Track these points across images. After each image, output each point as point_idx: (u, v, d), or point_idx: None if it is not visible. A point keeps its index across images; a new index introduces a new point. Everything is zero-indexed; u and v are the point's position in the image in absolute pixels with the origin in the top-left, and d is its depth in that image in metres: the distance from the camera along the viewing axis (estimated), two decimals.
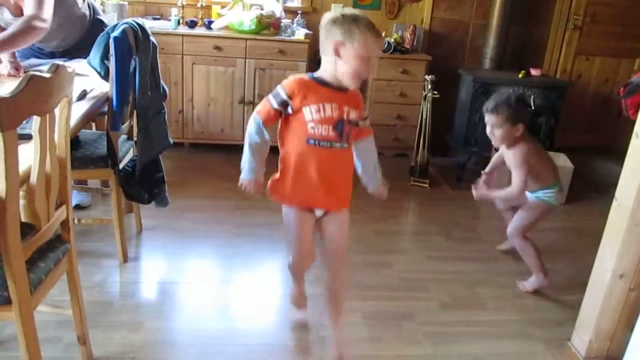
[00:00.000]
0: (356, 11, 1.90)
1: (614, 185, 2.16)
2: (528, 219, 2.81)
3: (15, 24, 2.51)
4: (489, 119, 2.69)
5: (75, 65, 2.73)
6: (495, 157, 2.98)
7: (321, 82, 1.91)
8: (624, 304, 2.22)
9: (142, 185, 2.76)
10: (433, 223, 3.59)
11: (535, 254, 2.82)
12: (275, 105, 1.93)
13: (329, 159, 1.96)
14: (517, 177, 2.65)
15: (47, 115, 1.60)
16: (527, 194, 2.81)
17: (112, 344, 2.21)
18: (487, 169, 2.97)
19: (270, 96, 1.95)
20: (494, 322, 2.59)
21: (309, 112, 1.89)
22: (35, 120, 1.55)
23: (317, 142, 1.92)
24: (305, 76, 1.95)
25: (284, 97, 1.91)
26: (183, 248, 3.01)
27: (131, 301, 2.53)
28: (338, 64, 1.86)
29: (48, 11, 2.59)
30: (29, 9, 2.54)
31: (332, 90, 1.91)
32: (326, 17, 1.88)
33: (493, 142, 2.76)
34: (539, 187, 2.76)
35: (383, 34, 4.55)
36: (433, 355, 2.33)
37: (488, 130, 2.72)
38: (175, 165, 4.04)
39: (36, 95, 1.50)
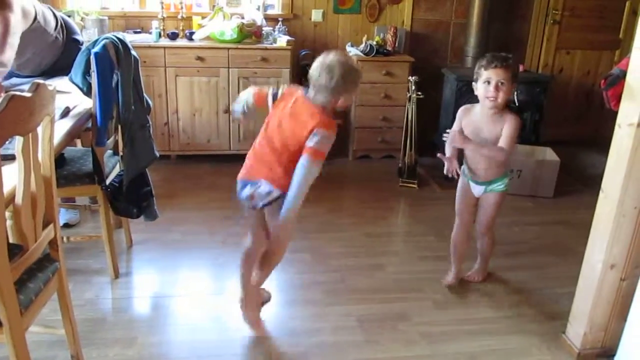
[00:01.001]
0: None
1: (600, 176, 2.18)
2: (497, 212, 2.75)
3: None
4: (496, 73, 2.46)
5: (57, 82, 2.72)
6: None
7: None
8: (617, 294, 2.24)
9: (130, 199, 2.75)
10: (423, 223, 3.59)
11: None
12: None
13: None
14: (509, 144, 2.49)
15: (30, 134, 1.59)
16: (478, 189, 2.71)
17: None
18: (449, 154, 2.71)
19: None
20: (488, 319, 2.60)
21: None
22: (18, 140, 1.54)
23: None
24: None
25: None
26: (174, 261, 3.00)
27: (124, 317, 2.51)
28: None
29: (9, 55, 2.53)
30: None
31: None
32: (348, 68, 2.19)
33: (491, 103, 2.50)
34: (503, 172, 2.64)
35: (365, 37, 4.57)
36: (430, 355, 2.33)
37: (490, 87, 2.47)
38: (163, 178, 4.03)
39: (17, 115, 1.49)
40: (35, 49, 2.88)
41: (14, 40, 2.55)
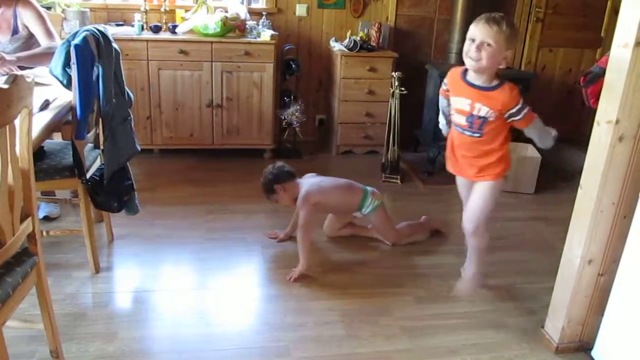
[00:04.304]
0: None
1: (580, 173, 2.20)
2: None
3: (39, 48, 3.09)
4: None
5: (37, 74, 2.70)
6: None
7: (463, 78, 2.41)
8: (594, 289, 2.27)
9: (111, 193, 2.72)
10: (406, 218, 3.59)
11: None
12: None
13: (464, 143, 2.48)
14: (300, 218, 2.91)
15: (7, 127, 1.56)
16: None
17: (87, 356, 2.18)
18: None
19: None
20: (468, 313, 2.62)
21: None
22: None
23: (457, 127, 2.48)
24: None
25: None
26: (156, 255, 2.98)
27: (104, 311, 2.49)
28: None
29: (57, 37, 3.17)
30: (43, 41, 3.12)
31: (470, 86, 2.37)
32: None
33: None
34: None
35: (349, 32, 4.56)
36: (410, 350, 2.34)
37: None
38: (145, 172, 4.00)
39: None
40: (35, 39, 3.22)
41: (51, 26, 3.19)
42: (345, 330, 2.45)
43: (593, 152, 2.12)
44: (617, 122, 1.99)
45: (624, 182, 2.08)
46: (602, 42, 5.20)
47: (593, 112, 2.17)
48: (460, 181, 2.68)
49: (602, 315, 2.22)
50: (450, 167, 2.63)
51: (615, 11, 4.98)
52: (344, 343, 2.37)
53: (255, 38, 4.24)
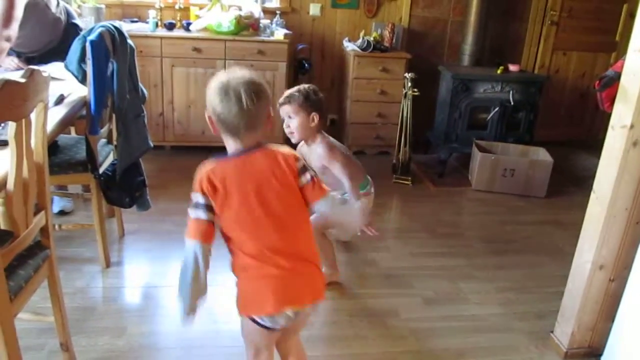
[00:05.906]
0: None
1: (592, 177, 2.19)
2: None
3: None
4: (282, 110, 2.50)
5: (52, 68, 2.71)
6: None
7: None
8: (605, 294, 2.25)
9: (123, 189, 2.74)
10: (416, 220, 3.60)
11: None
12: None
13: None
14: (338, 169, 2.55)
15: (23, 120, 1.58)
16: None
17: (96, 349, 2.20)
18: None
19: None
20: (477, 316, 2.61)
21: None
22: (11, 125, 1.53)
23: None
24: None
25: None
26: (166, 251, 2.99)
27: (114, 306, 2.51)
28: None
29: (14, 28, 2.61)
30: None
31: None
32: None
33: (291, 138, 2.56)
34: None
35: (362, 33, 4.55)
36: (418, 351, 2.34)
37: (285, 125, 2.53)
38: (157, 168, 4.02)
39: (11, 101, 1.49)
40: (34, 25, 2.88)
41: (18, 13, 2.61)
42: (353, 330, 2.45)
43: (606, 157, 2.10)
44: (632, 127, 1.97)
45: (637, 188, 2.06)
46: (616, 46, 5.16)
47: (607, 116, 2.16)
48: None
49: (613, 321, 2.21)
50: None
51: (631, 15, 4.97)
52: (352, 343, 2.36)
53: (268, 37, 4.25)
